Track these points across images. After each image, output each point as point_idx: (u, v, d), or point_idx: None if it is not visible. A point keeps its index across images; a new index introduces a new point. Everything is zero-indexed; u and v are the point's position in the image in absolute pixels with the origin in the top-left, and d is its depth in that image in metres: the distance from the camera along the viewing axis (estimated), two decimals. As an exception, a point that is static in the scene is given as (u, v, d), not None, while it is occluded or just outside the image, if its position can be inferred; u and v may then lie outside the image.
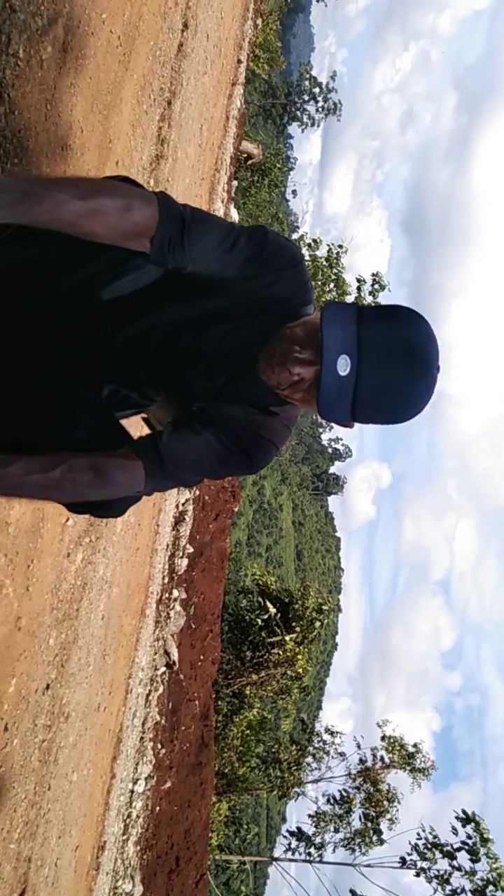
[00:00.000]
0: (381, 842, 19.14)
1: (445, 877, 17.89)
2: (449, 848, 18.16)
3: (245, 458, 1.62)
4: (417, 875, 18.51)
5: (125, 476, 1.48)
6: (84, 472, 1.42)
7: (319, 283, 22.15)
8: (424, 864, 18.41)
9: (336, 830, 19.73)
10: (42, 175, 1.23)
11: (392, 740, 20.42)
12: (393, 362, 1.37)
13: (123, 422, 1.70)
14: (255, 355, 1.56)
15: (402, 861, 18.92)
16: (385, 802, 19.33)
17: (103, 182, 1.38)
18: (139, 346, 1.61)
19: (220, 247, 1.47)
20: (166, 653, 9.20)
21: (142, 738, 8.37)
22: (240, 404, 1.63)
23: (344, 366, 1.33)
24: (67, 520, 4.42)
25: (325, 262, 22.76)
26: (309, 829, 20.07)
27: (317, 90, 43.78)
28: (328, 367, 1.33)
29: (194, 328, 1.59)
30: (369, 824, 19.24)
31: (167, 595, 9.30)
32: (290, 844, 20.07)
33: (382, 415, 1.43)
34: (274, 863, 21.43)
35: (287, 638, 16.52)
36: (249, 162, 25.44)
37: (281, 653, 16.55)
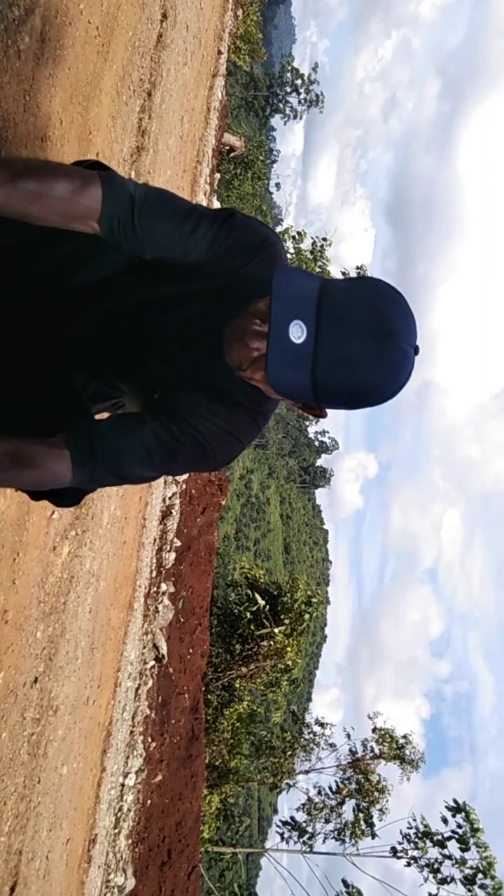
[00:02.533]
0: (374, 834, 19.28)
1: (436, 866, 18.06)
2: (439, 837, 18.33)
3: (201, 453, 1.50)
4: (408, 865, 18.67)
5: (48, 464, 1.37)
6: (3, 457, 1.33)
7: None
8: (416, 854, 18.57)
9: (327, 821, 19.85)
10: None
11: (383, 732, 20.55)
12: (356, 334, 1.22)
13: (102, 416, 1.65)
14: (221, 340, 1.47)
15: (394, 850, 19.07)
16: (375, 793, 19.46)
17: (40, 163, 1.33)
18: (104, 330, 1.56)
19: (179, 229, 1.40)
20: (155, 646, 9.20)
21: (132, 732, 8.38)
22: (203, 393, 1.52)
23: (298, 332, 1.20)
24: (53, 513, 4.42)
25: (309, 255, 22.77)
26: (301, 818, 20.20)
27: (299, 82, 43.69)
28: (276, 327, 1.20)
29: (160, 311, 1.53)
30: (361, 815, 19.36)
31: (155, 589, 9.31)
32: (283, 834, 20.18)
33: (348, 394, 1.29)
34: (266, 854, 21.53)
35: (276, 630, 16.57)
36: (232, 154, 25.37)
37: (270, 645, 16.60)
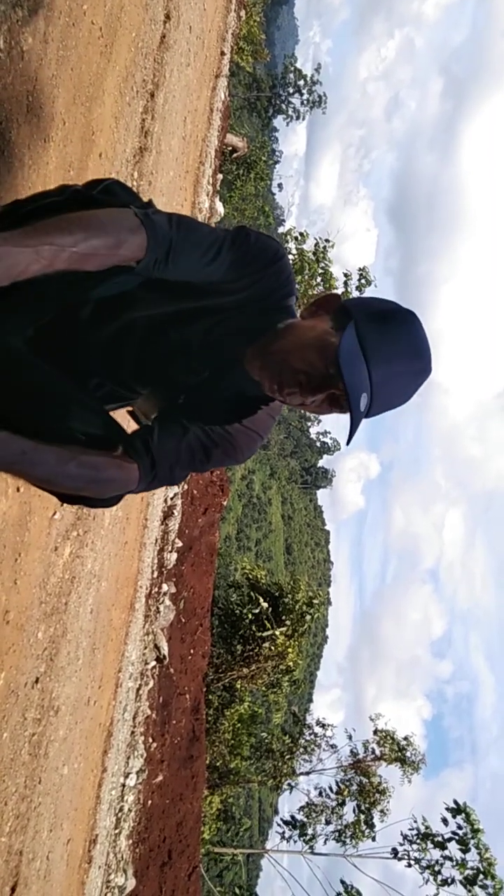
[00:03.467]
0: (373, 836, 19.25)
1: (437, 868, 18.02)
2: (440, 838, 18.29)
3: (231, 450, 1.65)
4: (409, 866, 18.64)
5: (121, 477, 1.51)
6: (88, 470, 1.45)
7: (306, 276, 22.12)
8: (416, 854, 18.53)
9: (327, 822, 19.83)
10: (29, 227, 1.25)
11: (384, 734, 20.53)
12: (400, 369, 1.44)
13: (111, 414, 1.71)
14: (239, 348, 1.60)
15: (395, 852, 19.03)
16: (376, 794, 19.44)
17: (93, 218, 1.37)
18: (124, 341, 1.63)
19: (203, 258, 1.50)
20: (156, 647, 9.20)
21: (133, 732, 8.38)
22: (224, 395, 1.65)
23: (364, 404, 1.39)
24: (55, 513, 4.41)
25: (311, 257, 22.74)
26: (301, 818, 20.17)
27: (301, 83, 43.65)
28: (356, 417, 1.38)
29: (179, 323, 1.62)
30: (362, 816, 19.33)
31: (156, 589, 9.31)
32: (283, 833, 20.15)
33: (385, 410, 1.49)
34: (267, 855, 21.51)
35: (277, 632, 16.55)
36: (235, 155, 25.36)
37: (271, 647, 16.58)
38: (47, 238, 1.28)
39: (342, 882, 18.58)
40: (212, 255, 1.50)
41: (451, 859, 17.91)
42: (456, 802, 18.22)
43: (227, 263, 1.53)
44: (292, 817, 20.26)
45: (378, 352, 1.41)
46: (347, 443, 1.45)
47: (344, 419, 1.53)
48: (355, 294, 21.34)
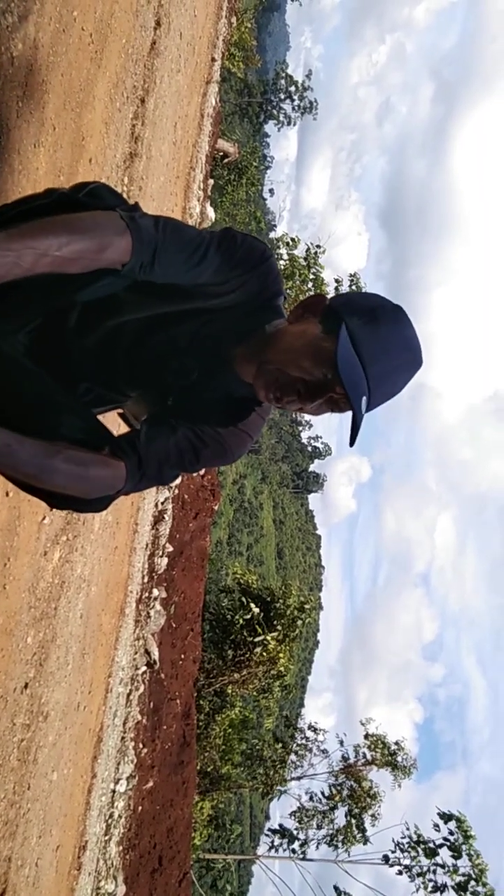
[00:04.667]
0: (366, 840, 19.21)
1: (429, 877, 17.98)
2: (431, 845, 18.26)
3: (221, 450, 1.65)
4: (400, 873, 18.60)
5: (107, 475, 1.51)
6: (74, 466, 1.45)
7: (297, 282, 22.16)
8: (407, 862, 18.49)
9: (319, 827, 19.79)
10: (13, 230, 1.26)
11: (375, 738, 20.51)
12: (394, 364, 1.45)
13: (100, 418, 1.71)
14: (228, 349, 1.60)
15: (386, 858, 18.99)
16: (368, 799, 19.41)
17: (77, 222, 1.37)
18: (113, 344, 1.64)
19: (189, 261, 1.50)
20: (147, 652, 9.18)
21: (123, 738, 8.35)
22: (214, 396, 1.66)
23: (365, 402, 1.41)
24: (44, 518, 4.41)
25: (302, 262, 22.80)
26: (292, 825, 20.12)
27: (293, 88, 43.86)
28: (358, 418, 1.40)
29: (167, 325, 1.62)
30: (353, 821, 19.29)
31: (147, 594, 9.29)
32: (272, 842, 20.09)
33: (381, 404, 1.50)
34: (258, 861, 21.44)
35: (269, 637, 16.53)
36: (226, 160, 25.41)
37: (263, 652, 16.56)
38: (30, 241, 1.28)
39: (335, 888, 18.55)
40: (198, 257, 1.50)
41: (442, 867, 17.88)
42: (448, 812, 18.21)
43: (214, 266, 1.53)
44: (281, 826, 20.20)
45: (372, 352, 1.42)
46: (351, 444, 1.44)
47: (339, 420, 1.54)
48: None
